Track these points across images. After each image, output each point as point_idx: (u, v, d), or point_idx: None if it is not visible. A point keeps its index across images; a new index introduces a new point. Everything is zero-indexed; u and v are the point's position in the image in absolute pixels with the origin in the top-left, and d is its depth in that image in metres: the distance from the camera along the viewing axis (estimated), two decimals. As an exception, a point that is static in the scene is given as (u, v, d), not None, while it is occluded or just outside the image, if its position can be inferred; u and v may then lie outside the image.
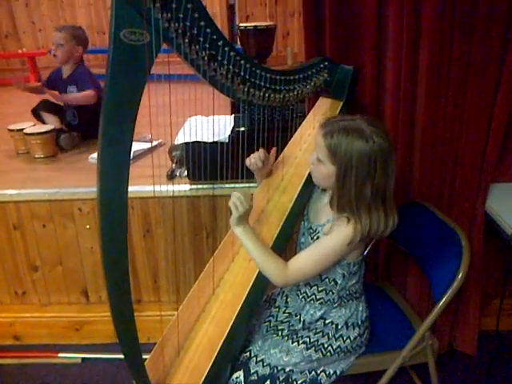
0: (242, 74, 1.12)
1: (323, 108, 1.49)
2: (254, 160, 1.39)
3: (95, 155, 2.26)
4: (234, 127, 1.85)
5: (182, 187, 1.88)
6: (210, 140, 1.75)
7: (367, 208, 1.16)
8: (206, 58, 1.03)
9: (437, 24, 1.43)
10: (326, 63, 1.38)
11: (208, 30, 1.00)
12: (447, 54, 1.47)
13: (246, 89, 1.14)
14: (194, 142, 1.77)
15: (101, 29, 4.97)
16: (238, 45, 2.29)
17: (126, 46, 0.91)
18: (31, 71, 4.55)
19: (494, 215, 1.61)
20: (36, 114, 2.67)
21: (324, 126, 1.19)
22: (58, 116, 2.64)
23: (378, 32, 1.51)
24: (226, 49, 1.06)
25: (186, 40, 0.99)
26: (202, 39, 1.00)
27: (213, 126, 1.76)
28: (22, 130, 2.41)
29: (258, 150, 1.40)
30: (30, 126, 2.46)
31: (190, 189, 1.88)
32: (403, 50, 1.48)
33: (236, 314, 1.23)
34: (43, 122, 2.63)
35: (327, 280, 1.29)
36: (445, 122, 1.56)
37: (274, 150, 1.44)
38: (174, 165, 1.99)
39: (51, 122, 2.58)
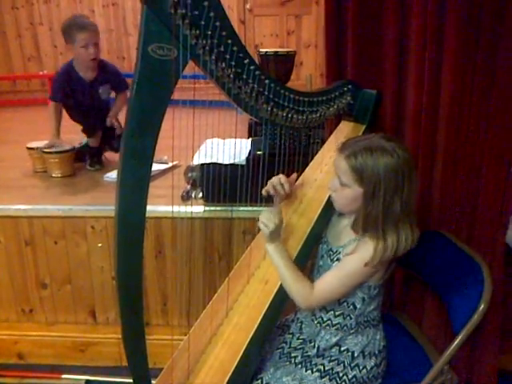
0: (266, 93, 1.13)
1: (345, 131, 1.49)
2: (273, 185, 1.33)
3: (110, 174, 2.27)
4: (251, 150, 1.85)
5: (197, 208, 1.87)
6: (227, 162, 1.75)
7: (395, 225, 1.15)
8: (231, 75, 1.04)
9: (460, 50, 1.43)
10: (350, 86, 1.39)
11: (234, 48, 1.02)
12: (469, 78, 1.47)
13: (269, 108, 1.15)
14: (210, 164, 1.77)
15: (120, 54, 5.07)
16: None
17: (153, 61, 0.93)
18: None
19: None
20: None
21: (343, 148, 1.18)
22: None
23: (400, 54, 1.51)
24: (252, 67, 1.07)
25: (213, 57, 1.00)
26: (228, 57, 1.02)
27: (229, 148, 1.76)
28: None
29: (275, 174, 1.35)
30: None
31: (205, 210, 1.87)
32: (425, 74, 1.48)
33: (250, 337, 1.19)
34: None
35: (345, 304, 1.25)
36: (465, 148, 1.54)
37: (295, 175, 1.41)
38: (188, 186, 1.99)
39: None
